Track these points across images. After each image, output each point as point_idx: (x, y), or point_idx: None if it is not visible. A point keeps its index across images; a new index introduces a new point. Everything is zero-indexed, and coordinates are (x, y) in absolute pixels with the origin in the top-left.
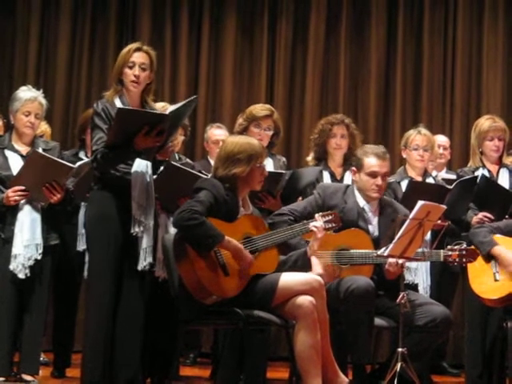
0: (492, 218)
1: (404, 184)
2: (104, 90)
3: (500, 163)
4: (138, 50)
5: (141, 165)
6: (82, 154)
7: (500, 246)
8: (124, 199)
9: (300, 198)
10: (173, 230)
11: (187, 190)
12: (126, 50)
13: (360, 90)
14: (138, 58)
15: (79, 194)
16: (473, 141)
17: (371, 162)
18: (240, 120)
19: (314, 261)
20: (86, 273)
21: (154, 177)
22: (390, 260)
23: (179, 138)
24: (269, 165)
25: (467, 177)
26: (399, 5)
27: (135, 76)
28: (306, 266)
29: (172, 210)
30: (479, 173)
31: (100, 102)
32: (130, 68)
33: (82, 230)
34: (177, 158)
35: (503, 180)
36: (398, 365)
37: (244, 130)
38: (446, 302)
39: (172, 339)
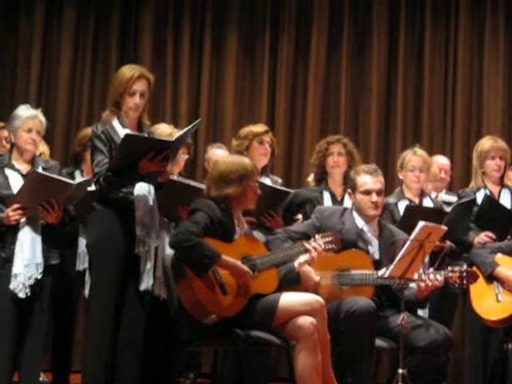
0: (494, 237)
1: (401, 205)
2: (105, 109)
3: (501, 184)
4: (139, 77)
5: (142, 187)
6: (77, 174)
7: (502, 267)
8: (127, 219)
9: (300, 216)
10: (169, 250)
11: (185, 198)
12: (127, 75)
13: (361, 109)
14: (140, 86)
15: (78, 214)
16: (474, 161)
17: (363, 179)
18: (236, 142)
19: (307, 269)
20: (86, 292)
21: None
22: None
23: (183, 157)
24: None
25: (465, 199)
26: (400, 25)
27: (135, 104)
28: (295, 281)
29: (172, 219)
30: (481, 193)
31: (99, 124)
32: (130, 96)
33: (81, 250)
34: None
35: (505, 201)
36: None
37: (246, 149)
38: (446, 322)
39: (171, 359)
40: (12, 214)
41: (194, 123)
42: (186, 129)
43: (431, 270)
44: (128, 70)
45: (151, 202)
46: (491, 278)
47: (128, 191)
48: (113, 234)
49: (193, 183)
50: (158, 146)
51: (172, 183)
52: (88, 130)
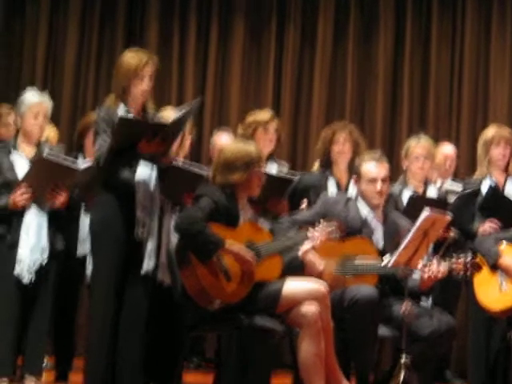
0: (498, 226)
1: (405, 193)
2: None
3: (507, 173)
4: (147, 61)
5: (144, 171)
6: (80, 159)
7: (506, 256)
8: (129, 204)
9: (305, 201)
10: (175, 236)
11: (189, 185)
12: (134, 61)
13: (367, 96)
14: (149, 70)
15: (82, 199)
16: (479, 150)
17: (369, 167)
18: (242, 130)
19: (311, 258)
20: (88, 277)
21: None
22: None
23: (186, 142)
24: (273, 170)
25: (469, 190)
26: (407, 12)
27: (147, 87)
28: (299, 269)
29: (176, 204)
30: (486, 183)
31: (103, 108)
32: (141, 80)
33: (83, 235)
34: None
35: (510, 190)
36: (402, 374)
37: (251, 137)
38: (450, 310)
39: (175, 344)
40: (19, 198)
41: (192, 104)
42: (182, 111)
43: (435, 259)
44: (135, 56)
45: (152, 186)
46: (495, 267)
47: (130, 177)
48: (115, 219)
49: (196, 169)
50: (153, 129)
51: (176, 169)
52: (88, 118)
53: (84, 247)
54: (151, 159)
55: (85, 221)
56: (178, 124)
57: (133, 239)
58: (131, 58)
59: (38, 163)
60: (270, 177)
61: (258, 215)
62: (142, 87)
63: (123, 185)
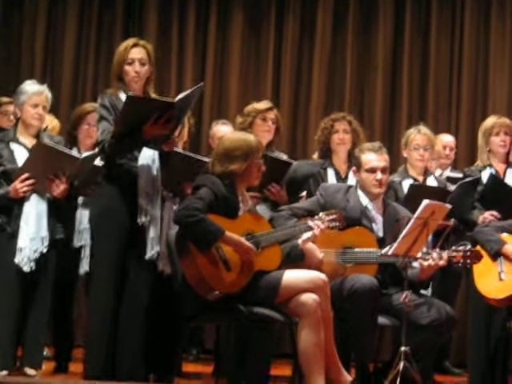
0: (498, 216)
1: (405, 184)
2: (110, 87)
3: (507, 162)
4: (135, 45)
5: (147, 156)
6: (74, 151)
7: (509, 244)
8: (131, 193)
9: (304, 193)
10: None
11: (189, 174)
12: (122, 47)
13: (366, 87)
14: (137, 53)
15: (82, 189)
16: (480, 140)
17: (368, 157)
18: (241, 119)
19: (311, 246)
20: (82, 268)
21: None
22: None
23: (185, 131)
24: None
25: (469, 179)
26: (406, 3)
27: (136, 72)
28: (299, 258)
29: (176, 194)
30: (486, 172)
31: (105, 95)
32: (130, 65)
33: (79, 227)
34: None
35: (510, 180)
36: (401, 364)
37: (249, 126)
38: (449, 300)
39: (175, 334)
40: (20, 186)
41: (196, 87)
42: (188, 91)
43: (436, 250)
44: (125, 41)
45: (155, 172)
46: (497, 255)
47: (132, 165)
48: (116, 208)
49: (198, 156)
50: (160, 108)
51: (177, 155)
52: (81, 109)
53: (80, 239)
54: (154, 145)
55: (82, 213)
56: (184, 103)
57: (135, 227)
58: (122, 44)
59: (38, 149)
60: (267, 158)
61: (258, 202)
62: (133, 72)
63: (125, 173)
